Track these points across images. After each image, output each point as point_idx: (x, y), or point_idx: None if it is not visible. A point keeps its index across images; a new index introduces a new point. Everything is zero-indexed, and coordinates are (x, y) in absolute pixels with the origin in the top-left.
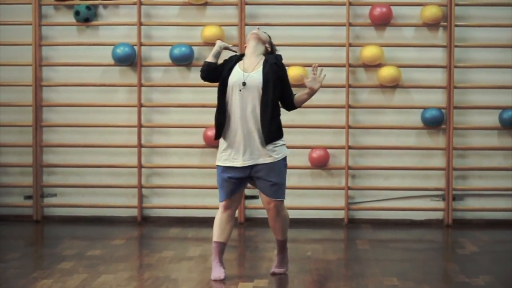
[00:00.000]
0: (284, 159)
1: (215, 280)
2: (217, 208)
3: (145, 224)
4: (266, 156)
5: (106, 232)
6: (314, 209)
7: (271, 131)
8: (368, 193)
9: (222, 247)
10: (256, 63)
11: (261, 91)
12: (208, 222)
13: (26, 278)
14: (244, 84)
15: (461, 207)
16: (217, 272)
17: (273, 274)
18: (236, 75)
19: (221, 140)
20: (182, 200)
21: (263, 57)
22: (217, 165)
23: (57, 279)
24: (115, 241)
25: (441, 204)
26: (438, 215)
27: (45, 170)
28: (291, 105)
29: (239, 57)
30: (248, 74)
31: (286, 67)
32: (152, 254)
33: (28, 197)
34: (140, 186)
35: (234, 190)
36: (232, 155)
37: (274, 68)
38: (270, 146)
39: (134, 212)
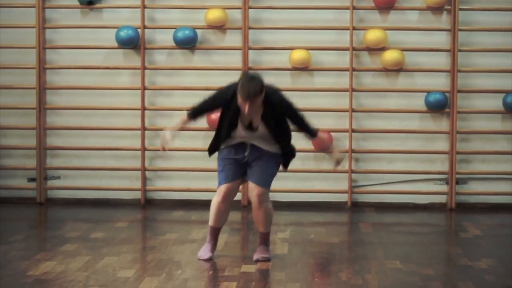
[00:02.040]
0: (279, 157)
1: (201, 259)
2: None
3: (149, 206)
4: (266, 147)
5: (109, 214)
6: (317, 192)
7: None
8: (372, 177)
9: (219, 231)
10: (257, 116)
11: (270, 137)
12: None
13: (29, 260)
14: (251, 145)
15: (464, 191)
16: (205, 253)
17: (257, 260)
18: (239, 131)
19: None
20: (186, 183)
21: (262, 109)
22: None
23: (60, 261)
24: (118, 223)
25: (444, 188)
26: (442, 198)
27: (49, 152)
28: (311, 134)
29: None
30: (253, 132)
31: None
32: (155, 237)
33: (32, 180)
34: (143, 169)
35: (235, 173)
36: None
37: (274, 114)
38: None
39: (137, 195)
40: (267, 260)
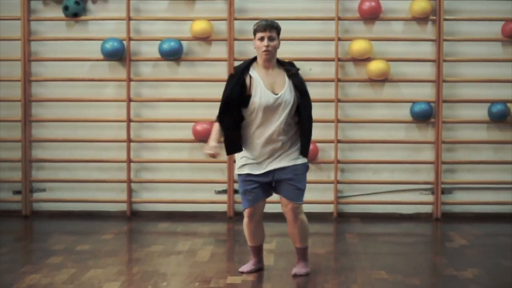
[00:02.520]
0: (305, 164)
1: (240, 270)
2: (206, 202)
3: (134, 218)
4: (288, 160)
5: (95, 226)
6: (303, 203)
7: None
8: (357, 187)
9: (259, 248)
10: (279, 79)
11: (289, 109)
12: (197, 216)
13: (15, 273)
14: (276, 105)
15: (450, 201)
16: (246, 266)
17: (295, 275)
18: (264, 96)
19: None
20: (171, 194)
21: (282, 70)
22: (239, 174)
23: (45, 274)
24: (104, 235)
25: (430, 198)
26: (427, 208)
27: (34, 165)
28: (303, 131)
29: (249, 67)
30: (279, 95)
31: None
32: (141, 249)
33: (17, 192)
34: (129, 181)
35: (257, 196)
36: (254, 163)
37: (297, 84)
38: (292, 151)
39: (123, 207)
40: (306, 275)
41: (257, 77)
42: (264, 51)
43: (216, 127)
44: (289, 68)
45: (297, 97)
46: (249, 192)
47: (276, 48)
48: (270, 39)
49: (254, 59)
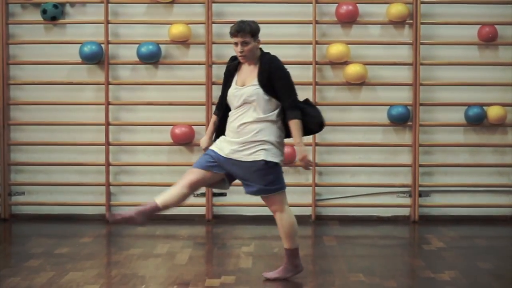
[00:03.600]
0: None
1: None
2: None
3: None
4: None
5: (74, 230)
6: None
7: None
8: (335, 190)
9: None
10: (253, 74)
11: (255, 103)
12: (176, 219)
13: None
14: (239, 98)
15: (427, 203)
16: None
17: (266, 278)
18: (232, 89)
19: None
20: (150, 197)
21: (259, 63)
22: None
23: (24, 277)
24: (83, 239)
25: (407, 201)
26: (405, 211)
27: (13, 168)
28: (289, 116)
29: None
30: (241, 88)
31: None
32: (119, 252)
33: None
34: (108, 184)
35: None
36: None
37: (267, 75)
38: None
39: (102, 210)
40: (273, 279)
41: (236, 72)
42: (239, 56)
43: (212, 120)
44: (262, 62)
45: (270, 89)
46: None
47: (252, 50)
48: (243, 44)
49: None
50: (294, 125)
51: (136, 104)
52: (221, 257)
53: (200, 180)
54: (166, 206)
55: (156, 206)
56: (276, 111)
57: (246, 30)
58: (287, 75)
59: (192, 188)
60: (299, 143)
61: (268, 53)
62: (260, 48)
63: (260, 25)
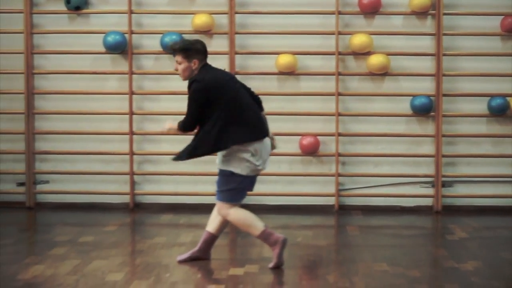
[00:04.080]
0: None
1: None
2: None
3: (137, 210)
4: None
5: (98, 218)
6: (304, 195)
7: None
8: (358, 180)
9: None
10: None
11: None
12: (200, 208)
13: (18, 263)
14: None
15: (450, 194)
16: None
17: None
18: None
19: None
20: (174, 186)
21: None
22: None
23: (49, 265)
24: (107, 227)
25: (430, 191)
26: (428, 201)
27: (37, 157)
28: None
29: None
30: None
31: (194, 90)
32: (143, 240)
33: (21, 184)
34: (132, 173)
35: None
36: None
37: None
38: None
39: (126, 199)
40: (279, 264)
41: None
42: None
43: None
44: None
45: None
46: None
47: (185, 70)
48: (177, 62)
49: None
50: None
51: (159, 94)
52: (244, 246)
53: None
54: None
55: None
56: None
57: (176, 50)
58: (191, 98)
59: None
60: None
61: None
62: (206, 66)
63: (283, 15)
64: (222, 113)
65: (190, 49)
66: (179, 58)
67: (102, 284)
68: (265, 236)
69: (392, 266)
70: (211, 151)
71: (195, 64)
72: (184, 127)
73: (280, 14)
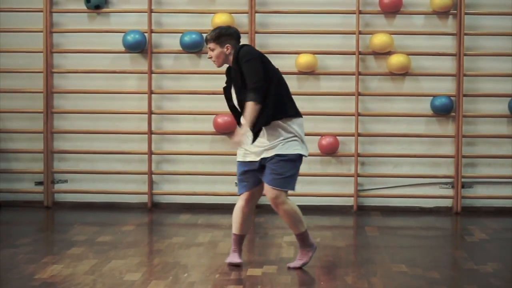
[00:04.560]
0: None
1: (230, 263)
2: (227, 195)
3: (155, 210)
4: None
5: (116, 218)
6: (323, 196)
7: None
8: (377, 180)
9: (243, 239)
10: (233, 73)
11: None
12: (218, 208)
13: (36, 263)
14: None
15: (470, 195)
16: (234, 258)
17: (288, 268)
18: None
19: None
20: (192, 186)
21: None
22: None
23: (67, 265)
24: (125, 227)
25: (450, 192)
26: (447, 202)
27: (56, 156)
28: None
29: None
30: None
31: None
32: (162, 240)
33: (39, 183)
34: (150, 173)
35: (254, 182)
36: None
37: (237, 68)
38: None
39: (144, 198)
40: (300, 267)
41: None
42: (213, 62)
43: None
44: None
45: (236, 82)
46: (244, 178)
47: (219, 56)
48: (211, 50)
49: None
50: (247, 106)
51: (178, 93)
52: (263, 247)
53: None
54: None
55: None
56: None
57: (208, 38)
58: (250, 60)
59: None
60: (245, 124)
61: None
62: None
63: (303, 14)
64: (273, 87)
65: (222, 35)
66: (211, 45)
67: (120, 284)
68: (305, 236)
69: (411, 267)
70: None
71: (228, 49)
72: (256, 96)
73: (300, 13)
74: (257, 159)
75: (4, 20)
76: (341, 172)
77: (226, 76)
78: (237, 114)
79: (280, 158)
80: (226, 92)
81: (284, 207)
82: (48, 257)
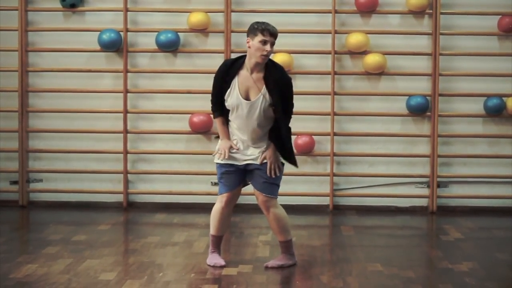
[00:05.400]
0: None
1: (214, 266)
2: (203, 194)
3: (131, 209)
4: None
5: (92, 217)
6: (299, 195)
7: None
8: (353, 180)
9: (221, 239)
10: (258, 84)
11: (263, 113)
12: (193, 208)
13: (11, 262)
14: (248, 110)
15: (445, 194)
16: (218, 260)
17: (266, 267)
18: (236, 100)
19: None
20: (168, 186)
21: (264, 73)
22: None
23: (42, 264)
24: (101, 226)
25: (425, 191)
26: (423, 202)
27: (31, 155)
28: (282, 129)
29: (236, 65)
30: (250, 102)
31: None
32: (137, 240)
33: (14, 182)
34: (125, 172)
35: (235, 182)
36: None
37: (274, 88)
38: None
39: (119, 198)
40: (278, 267)
41: (236, 80)
42: (265, 55)
43: (220, 121)
44: (272, 71)
45: (274, 100)
46: (226, 177)
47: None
48: (272, 45)
49: (244, 57)
50: (286, 130)
51: (154, 92)
52: (238, 246)
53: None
54: None
55: None
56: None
57: (277, 33)
58: (291, 89)
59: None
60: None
61: (275, 66)
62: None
63: (279, 14)
64: None
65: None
66: (274, 40)
67: (95, 283)
68: (290, 245)
69: (386, 266)
70: None
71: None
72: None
73: (276, 12)
74: (243, 162)
75: None
76: (317, 172)
77: (224, 77)
78: (225, 124)
79: (278, 166)
80: (219, 96)
81: (276, 210)
82: (23, 257)
